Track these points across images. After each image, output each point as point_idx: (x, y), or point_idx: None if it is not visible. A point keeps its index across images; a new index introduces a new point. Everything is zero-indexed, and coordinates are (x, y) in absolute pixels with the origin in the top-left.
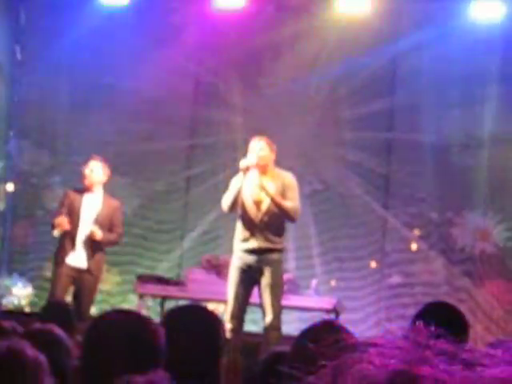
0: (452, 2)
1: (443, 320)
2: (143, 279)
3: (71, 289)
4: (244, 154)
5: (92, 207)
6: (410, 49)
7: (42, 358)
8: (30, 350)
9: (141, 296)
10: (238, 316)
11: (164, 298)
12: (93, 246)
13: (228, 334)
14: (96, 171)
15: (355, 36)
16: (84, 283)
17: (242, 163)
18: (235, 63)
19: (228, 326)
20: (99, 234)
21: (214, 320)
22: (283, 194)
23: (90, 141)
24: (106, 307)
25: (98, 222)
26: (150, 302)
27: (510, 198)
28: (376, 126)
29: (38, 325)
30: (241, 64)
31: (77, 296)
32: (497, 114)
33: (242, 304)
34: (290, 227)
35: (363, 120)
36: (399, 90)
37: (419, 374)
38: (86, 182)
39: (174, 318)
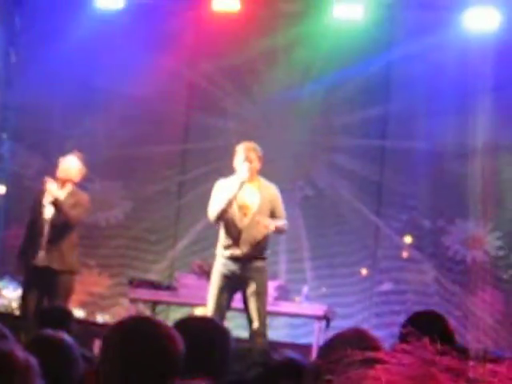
0: (446, 10)
1: (431, 329)
2: (134, 284)
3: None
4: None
5: (49, 197)
6: (404, 57)
7: (33, 360)
8: (20, 353)
9: (132, 300)
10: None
11: (155, 303)
12: (62, 243)
13: None
14: (71, 167)
15: (350, 43)
16: (57, 283)
17: (244, 175)
18: (230, 69)
19: None
20: (61, 196)
21: (223, 332)
22: (272, 210)
23: (83, 145)
24: (97, 310)
25: (56, 201)
26: (140, 305)
27: (502, 207)
28: (369, 133)
29: (47, 331)
30: (235, 70)
31: (51, 297)
32: (490, 123)
33: (223, 310)
34: None
35: (357, 127)
36: (393, 98)
37: None
38: (59, 176)
39: (181, 328)
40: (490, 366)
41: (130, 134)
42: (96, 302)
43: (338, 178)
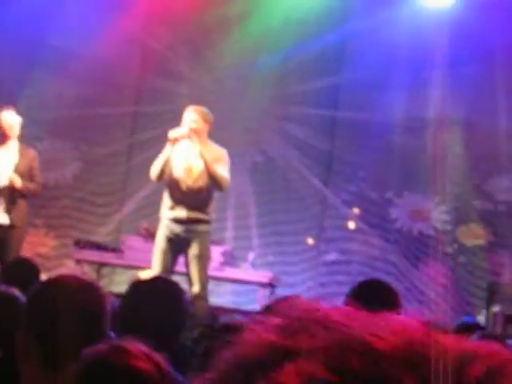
0: None
1: (376, 298)
2: (80, 245)
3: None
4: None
5: (8, 159)
6: (360, 29)
7: None
8: None
9: (77, 261)
10: None
11: (101, 264)
12: (13, 198)
13: None
14: (11, 122)
15: (305, 14)
16: (8, 239)
17: (171, 134)
18: (184, 34)
19: None
20: (19, 182)
21: (179, 292)
22: (215, 165)
23: (34, 103)
24: (42, 270)
25: (18, 171)
26: (86, 267)
27: (450, 182)
28: (321, 103)
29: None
30: (190, 35)
31: (2, 253)
32: (441, 98)
33: (167, 273)
34: (229, 196)
35: (309, 97)
36: (347, 69)
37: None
38: (3, 134)
39: (138, 290)
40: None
41: (81, 95)
42: (41, 262)
43: (289, 146)
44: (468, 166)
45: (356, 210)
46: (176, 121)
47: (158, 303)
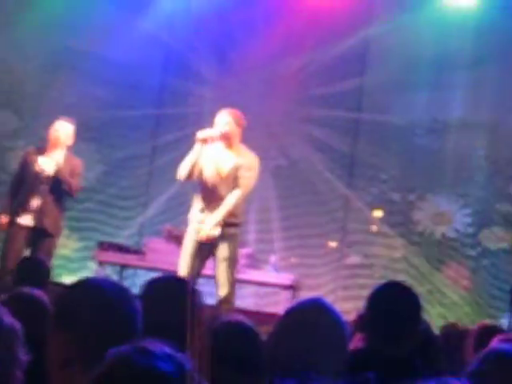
0: None
1: (397, 301)
2: (103, 247)
3: (26, 250)
4: (210, 125)
5: (51, 164)
6: (382, 31)
7: (18, 326)
8: (7, 318)
9: (100, 263)
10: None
11: (123, 266)
12: (51, 205)
13: None
14: (63, 131)
15: (329, 16)
16: (41, 243)
17: (200, 134)
18: (207, 35)
19: None
20: (62, 169)
21: (193, 292)
22: (236, 172)
23: (57, 104)
24: (64, 272)
25: (59, 171)
26: (108, 269)
27: (473, 184)
28: (344, 106)
29: (24, 289)
30: (213, 37)
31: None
32: (465, 100)
33: (195, 276)
34: (252, 199)
35: (332, 99)
36: (369, 71)
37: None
38: (51, 141)
39: (151, 288)
40: None
41: (104, 97)
42: (63, 264)
43: (312, 149)
44: (491, 169)
45: (379, 213)
46: (199, 123)
47: (166, 304)
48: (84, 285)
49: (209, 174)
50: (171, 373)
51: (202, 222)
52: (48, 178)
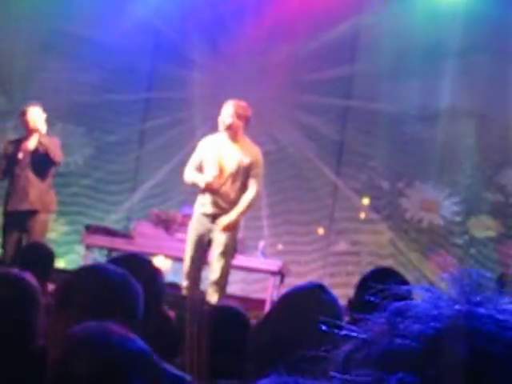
0: None
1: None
2: (91, 230)
3: (24, 236)
4: (200, 110)
5: (32, 141)
6: (374, 19)
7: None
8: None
9: (87, 247)
10: (195, 276)
11: (111, 250)
12: (34, 181)
13: (184, 292)
14: (36, 117)
15: (320, 3)
16: (31, 227)
17: (204, 181)
18: (198, 21)
19: (184, 283)
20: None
21: (154, 269)
22: (248, 171)
23: (47, 87)
24: None
25: (40, 143)
26: (96, 253)
27: (461, 172)
28: (335, 93)
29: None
30: (204, 22)
31: (30, 237)
32: (454, 88)
33: (199, 265)
34: None
35: (322, 86)
36: (360, 59)
37: None
38: (29, 128)
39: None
40: None
41: (94, 80)
42: (51, 248)
43: (301, 135)
44: (480, 158)
45: (366, 200)
46: (187, 107)
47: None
48: (87, 270)
49: (212, 170)
50: None
51: (202, 214)
52: (30, 154)
